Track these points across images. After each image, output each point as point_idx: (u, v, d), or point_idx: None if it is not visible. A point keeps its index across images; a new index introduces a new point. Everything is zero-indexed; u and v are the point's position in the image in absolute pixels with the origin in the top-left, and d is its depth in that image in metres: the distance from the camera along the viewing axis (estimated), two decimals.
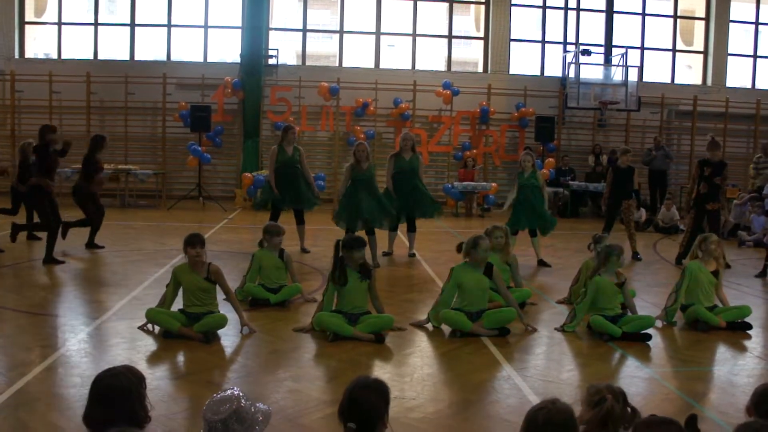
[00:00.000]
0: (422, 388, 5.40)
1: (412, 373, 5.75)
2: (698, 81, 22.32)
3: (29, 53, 20.82)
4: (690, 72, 22.95)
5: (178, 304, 6.71)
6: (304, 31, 21.24)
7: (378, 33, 21.16)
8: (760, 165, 15.75)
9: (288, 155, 11.27)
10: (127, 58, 20.62)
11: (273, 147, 11.61)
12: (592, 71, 20.34)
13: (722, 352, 6.79)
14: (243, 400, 3.20)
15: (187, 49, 21.03)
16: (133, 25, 20.69)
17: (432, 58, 21.91)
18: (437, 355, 6.34)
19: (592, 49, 20.61)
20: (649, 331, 6.90)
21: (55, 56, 20.66)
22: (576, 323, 7.05)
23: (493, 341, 6.62)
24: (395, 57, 21.90)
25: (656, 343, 6.82)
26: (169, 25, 20.68)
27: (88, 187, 11.16)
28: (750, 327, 7.32)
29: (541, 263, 10.90)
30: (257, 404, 3.30)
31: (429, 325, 7.07)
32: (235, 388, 3.29)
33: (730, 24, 22.09)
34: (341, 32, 21.25)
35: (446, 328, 6.94)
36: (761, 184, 15.49)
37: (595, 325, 6.83)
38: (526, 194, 11.04)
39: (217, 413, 3.15)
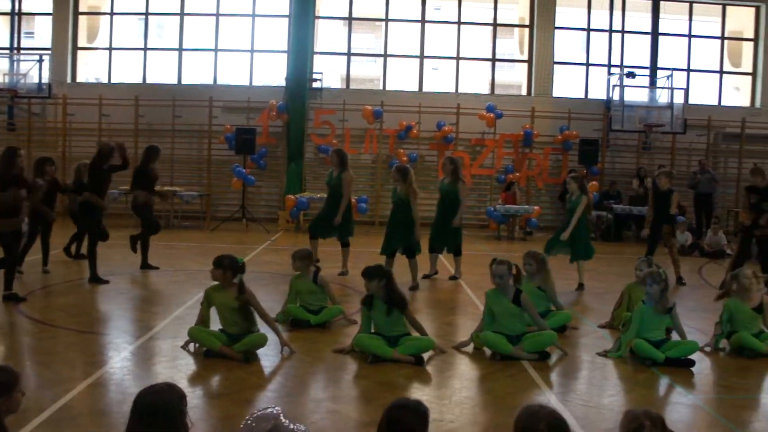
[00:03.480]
0: (461, 410, 5.38)
1: (451, 396, 5.73)
2: (746, 103, 21.97)
3: (81, 77, 21.36)
4: (738, 94, 22.60)
5: (218, 324, 6.78)
6: (349, 54, 21.45)
7: (422, 56, 21.26)
8: None
9: (332, 178, 11.39)
10: (175, 81, 21.03)
11: (350, 173, 11.39)
12: (637, 93, 20.17)
13: None
14: (282, 419, 3.21)
15: (233, 73, 21.39)
16: (181, 49, 21.13)
17: (475, 81, 21.95)
18: (476, 377, 6.31)
19: (637, 71, 20.47)
20: (693, 357, 6.77)
21: (105, 80, 21.21)
22: (622, 352, 6.92)
23: (533, 365, 6.56)
24: (439, 80, 21.99)
25: (701, 369, 6.69)
26: (216, 50, 21.07)
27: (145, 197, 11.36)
28: None
29: (581, 287, 10.78)
30: (296, 424, 3.30)
31: (471, 348, 7.04)
32: (275, 407, 3.30)
33: None
34: (385, 56, 21.40)
35: (486, 352, 6.90)
36: None
37: (639, 349, 6.72)
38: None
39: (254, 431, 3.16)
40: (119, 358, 6.42)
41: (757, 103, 21.67)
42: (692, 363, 6.65)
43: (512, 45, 24.30)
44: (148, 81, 21.03)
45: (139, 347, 6.83)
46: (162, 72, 21.32)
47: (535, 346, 6.77)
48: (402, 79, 21.50)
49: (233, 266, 6.70)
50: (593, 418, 5.27)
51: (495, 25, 21.49)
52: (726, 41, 22.10)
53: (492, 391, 5.93)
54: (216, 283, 6.84)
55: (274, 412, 3.22)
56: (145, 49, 21.21)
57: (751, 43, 22.00)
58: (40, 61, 19.68)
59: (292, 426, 3.23)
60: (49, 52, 20.53)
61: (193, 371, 6.16)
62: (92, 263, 10.11)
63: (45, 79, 19.73)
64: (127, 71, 21.28)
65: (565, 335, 7.71)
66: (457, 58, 21.35)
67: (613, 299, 8.78)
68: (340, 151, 11.55)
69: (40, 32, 23.53)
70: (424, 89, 21.17)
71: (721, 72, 22.01)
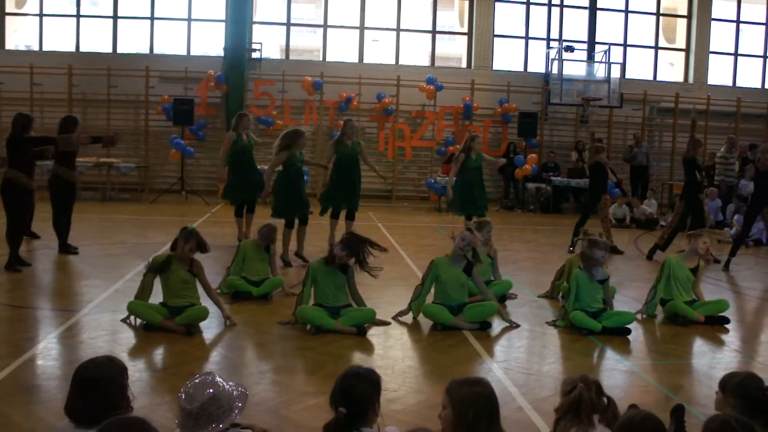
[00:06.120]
0: (403, 380, 5.44)
1: (393, 366, 5.78)
2: (680, 78, 22.45)
3: (10, 45, 20.63)
4: (672, 69, 23.07)
5: (159, 296, 6.69)
6: (288, 24, 21.19)
7: (362, 27, 21.14)
8: (729, 160, 16.32)
9: (243, 142, 11.41)
10: (110, 50, 20.49)
11: (229, 133, 11.56)
12: (575, 67, 20.42)
13: (700, 345, 6.88)
14: (219, 383, 3.20)
15: (170, 42, 20.93)
16: (115, 17, 20.55)
17: (416, 53, 21.91)
18: (418, 347, 6.38)
19: (575, 45, 20.69)
20: (629, 325, 6.95)
21: (36, 48, 20.53)
22: (567, 320, 7.05)
23: (475, 335, 6.66)
24: (379, 52, 21.89)
25: (636, 336, 6.89)
26: (152, 18, 20.57)
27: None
28: (728, 321, 7.42)
29: None
30: (233, 386, 3.30)
31: (410, 317, 7.09)
32: (211, 373, 3.28)
33: (712, 22, 22.24)
34: (325, 26, 21.20)
35: (427, 322, 6.96)
36: (729, 181, 16.06)
37: (576, 320, 6.87)
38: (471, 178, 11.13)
39: (193, 401, 3.14)
40: (57, 333, 6.29)
41: (690, 79, 22.16)
42: (628, 331, 6.84)
43: (452, 17, 24.30)
44: (82, 49, 20.43)
45: (79, 321, 6.70)
46: (96, 40, 20.72)
47: (476, 316, 6.88)
48: (342, 50, 21.34)
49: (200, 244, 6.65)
50: (533, 385, 5.39)
51: None
52: (661, 17, 22.50)
53: (434, 360, 6.01)
54: (163, 253, 6.73)
55: (208, 379, 3.21)
56: (78, 16, 20.57)
57: (685, 20, 22.46)
58: None
59: (229, 388, 3.23)
60: None
61: (134, 345, 6.09)
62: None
63: None
64: (59, 39, 20.63)
65: (504, 305, 7.83)
66: (398, 30, 21.28)
67: (551, 269, 8.94)
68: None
69: None
70: (365, 60, 21.07)
71: (656, 48, 22.43)
